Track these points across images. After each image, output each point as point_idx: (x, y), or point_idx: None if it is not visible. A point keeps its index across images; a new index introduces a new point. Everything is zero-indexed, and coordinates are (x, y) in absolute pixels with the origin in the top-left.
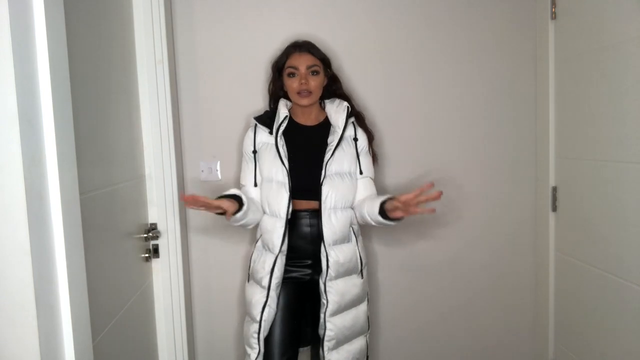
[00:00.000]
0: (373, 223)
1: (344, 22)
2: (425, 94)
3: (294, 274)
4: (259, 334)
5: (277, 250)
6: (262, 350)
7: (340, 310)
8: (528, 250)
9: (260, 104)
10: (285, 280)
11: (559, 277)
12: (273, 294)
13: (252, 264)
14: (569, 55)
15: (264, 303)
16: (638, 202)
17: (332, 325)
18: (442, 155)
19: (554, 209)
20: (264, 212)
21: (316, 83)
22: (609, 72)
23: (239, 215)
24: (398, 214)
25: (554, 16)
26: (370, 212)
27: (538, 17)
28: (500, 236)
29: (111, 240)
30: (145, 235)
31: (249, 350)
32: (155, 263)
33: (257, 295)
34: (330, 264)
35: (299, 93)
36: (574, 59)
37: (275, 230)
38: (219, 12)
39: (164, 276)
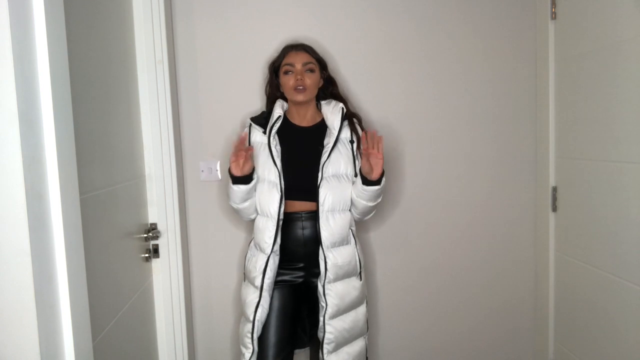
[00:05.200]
0: (363, 201)
1: (342, 24)
2: (425, 94)
3: (285, 277)
4: (252, 333)
5: (268, 251)
6: (256, 349)
7: (340, 312)
8: (528, 250)
9: (260, 104)
10: (279, 283)
11: (559, 278)
12: (266, 294)
13: (246, 264)
14: (569, 55)
15: (256, 303)
16: (638, 202)
17: (332, 328)
18: (441, 155)
19: (554, 209)
20: (257, 213)
21: (311, 80)
22: (608, 72)
23: (251, 184)
24: (366, 165)
25: (554, 16)
26: (356, 189)
27: (538, 17)
28: (500, 236)
29: (111, 240)
30: (145, 235)
31: (243, 349)
32: (155, 263)
33: (250, 296)
34: (328, 266)
35: (294, 89)
36: (574, 59)
37: (266, 230)
38: (219, 12)
39: (164, 276)
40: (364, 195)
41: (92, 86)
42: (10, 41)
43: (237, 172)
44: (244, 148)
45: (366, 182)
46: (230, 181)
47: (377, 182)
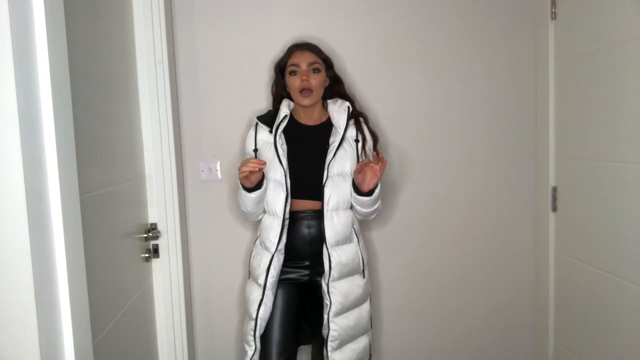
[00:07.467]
0: (357, 206)
1: (347, 23)
2: (427, 94)
3: (291, 275)
4: (255, 331)
5: (273, 249)
6: (259, 347)
7: (344, 310)
8: (528, 250)
9: (261, 103)
10: (284, 281)
11: (559, 277)
12: (269, 292)
13: (251, 261)
14: (569, 55)
15: (259, 301)
16: (637, 202)
17: (336, 325)
18: (442, 154)
19: (554, 209)
20: (263, 211)
21: (317, 81)
22: (609, 72)
23: (262, 190)
24: (359, 177)
25: (554, 16)
26: (352, 198)
27: (538, 17)
28: (501, 236)
29: (111, 240)
30: (145, 235)
31: (246, 347)
32: (155, 263)
33: (254, 293)
34: (332, 265)
35: (301, 92)
36: (574, 59)
37: (272, 229)
38: (220, 11)
39: (164, 276)
40: (354, 201)
41: (92, 86)
42: (10, 41)
43: (248, 184)
44: (257, 163)
45: (356, 190)
46: (241, 189)
47: (367, 194)
